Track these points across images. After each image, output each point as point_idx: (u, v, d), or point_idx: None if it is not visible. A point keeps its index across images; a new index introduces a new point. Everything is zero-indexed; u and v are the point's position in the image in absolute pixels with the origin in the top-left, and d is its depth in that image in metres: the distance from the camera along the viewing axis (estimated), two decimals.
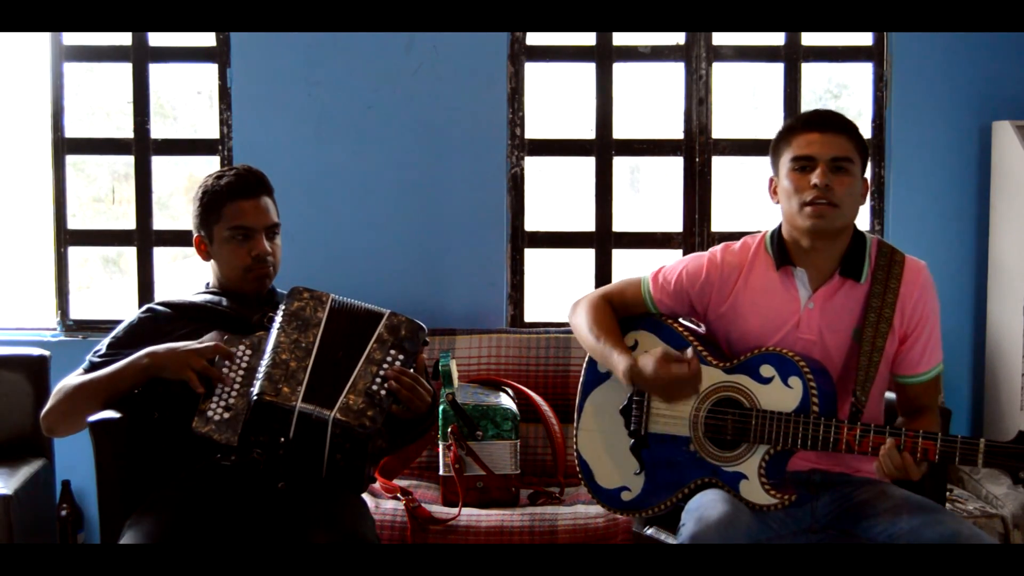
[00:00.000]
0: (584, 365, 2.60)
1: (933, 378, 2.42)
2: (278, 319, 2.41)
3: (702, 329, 2.56)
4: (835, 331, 2.40)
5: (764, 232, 2.51)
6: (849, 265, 2.40)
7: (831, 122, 2.38)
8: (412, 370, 2.41)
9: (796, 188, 2.36)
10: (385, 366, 2.37)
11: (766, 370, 2.36)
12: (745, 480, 2.34)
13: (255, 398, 2.28)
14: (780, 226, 2.47)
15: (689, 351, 2.36)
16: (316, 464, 2.30)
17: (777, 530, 2.37)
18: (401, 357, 2.40)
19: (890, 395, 2.51)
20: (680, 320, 2.54)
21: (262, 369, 2.33)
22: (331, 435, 2.28)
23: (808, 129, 2.37)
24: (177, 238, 3.75)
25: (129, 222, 3.75)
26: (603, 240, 3.71)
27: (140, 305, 3.34)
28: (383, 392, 2.34)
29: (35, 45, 3.72)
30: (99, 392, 2.41)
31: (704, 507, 2.29)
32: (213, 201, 2.56)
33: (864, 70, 3.69)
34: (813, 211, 2.33)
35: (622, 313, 2.54)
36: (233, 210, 2.54)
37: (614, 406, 2.51)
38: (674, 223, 3.71)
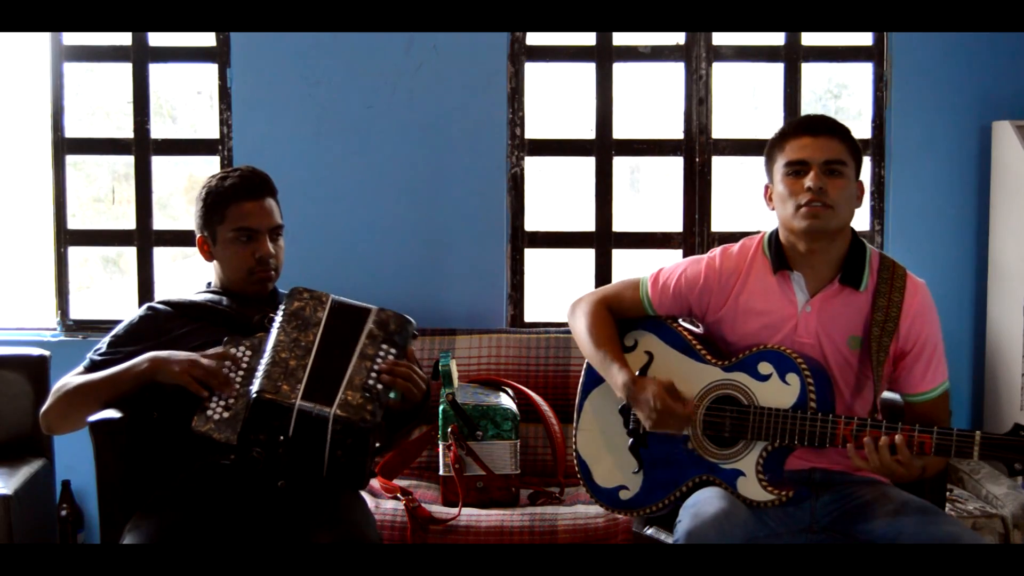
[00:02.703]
0: (584, 366, 2.61)
1: (940, 396, 2.42)
2: (278, 319, 2.42)
3: (700, 330, 2.56)
4: (831, 336, 2.40)
5: (762, 234, 2.52)
6: (849, 272, 2.40)
7: (823, 125, 2.40)
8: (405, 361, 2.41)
9: (791, 192, 2.37)
10: (379, 360, 2.37)
11: (764, 367, 2.37)
12: (743, 477, 2.34)
13: (254, 396, 2.28)
14: (778, 230, 2.48)
15: (691, 403, 2.38)
16: (317, 462, 2.31)
17: (775, 528, 2.37)
18: (393, 351, 2.40)
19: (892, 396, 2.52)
20: (680, 321, 2.55)
21: (261, 368, 2.33)
22: (332, 431, 2.28)
23: (800, 133, 2.39)
24: (177, 238, 3.75)
25: (129, 222, 3.75)
26: (603, 240, 3.71)
27: (140, 305, 3.34)
28: (379, 387, 2.35)
29: (35, 45, 3.72)
30: (99, 393, 2.41)
31: (701, 504, 2.30)
32: (217, 202, 2.56)
33: (864, 70, 3.69)
34: (808, 211, 2.34)
35: (620, 316, 2.55)
36: (237, 211, 2.54)
37: (613, 406, 2.52)
38: (674, 223, 3.71)
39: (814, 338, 2.40)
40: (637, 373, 2.47)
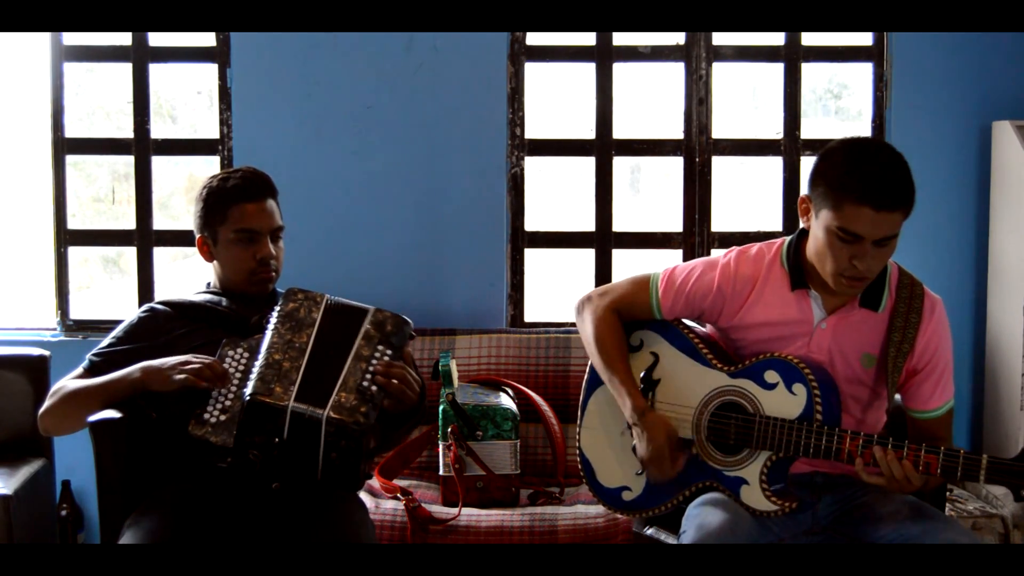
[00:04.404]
0: (588, 365, 2.59)
1: (945, 414, 2.39)
2: (272, 320, 2.41)
3: (708, 330, 2.54)
4: (844, 354, 2.37)
5: (781, 242, 2.45)
6: (869, 295, 2.35)
7: (890, 199, 2.18)
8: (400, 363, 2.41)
9: (834, 255, 2.25)
10: (374, 362, 2.37)
11: (770, 376, 2.33)
12: (746, 485, 2.32)
13: (248, 399, 2.28)
14: (799, 242, 2.39)
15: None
16: (311, 464, 2.30)
17: (778, 533, 2.36)
18: (389, 352, 2.40)
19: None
20: (686, 322, 2.52)
21: (255, 370, 2.33)
22: (325, 434, 2.28)
23: (864, 202, 2.17)
24: (177, 238, 3.75)
25: (129, 222, 3.75)
26: (603, 240, 3.71)
27: (140, 305, 3.34)
28: (374, 388, 2.34)
29: (35, 45, 3.72)
30: (93, 400, 2.42)
31: (704, 514, 2.28)
32: (219, 202, 2.56)
33: (864, 70, 3.69)
34: (846, 284, 2.27)
35: (629, 319, 2.52)
36: (239, 212, 2.54)
37: (617, 405, 2.50)
38: (674, 223, 3.71)
39: (826, 355, 2.37)
40: (642, 375, 2.47)
